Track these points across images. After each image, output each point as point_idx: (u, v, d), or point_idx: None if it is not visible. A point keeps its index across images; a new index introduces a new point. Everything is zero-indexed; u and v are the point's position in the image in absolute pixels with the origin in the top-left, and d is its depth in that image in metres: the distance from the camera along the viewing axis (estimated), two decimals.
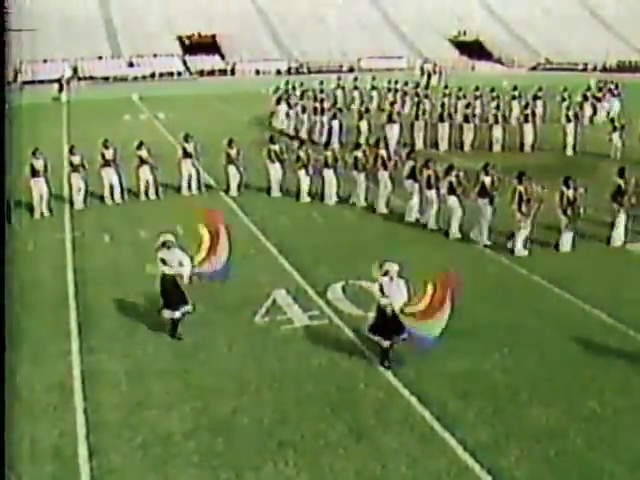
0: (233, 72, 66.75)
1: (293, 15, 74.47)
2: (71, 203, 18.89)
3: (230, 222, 17.26)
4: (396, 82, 36.59)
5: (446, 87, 33.65)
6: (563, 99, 28.70)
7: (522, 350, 10.13)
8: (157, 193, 19.61)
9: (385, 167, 17.74)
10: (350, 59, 68.14)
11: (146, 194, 19.50)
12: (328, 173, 18.67)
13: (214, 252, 11.05)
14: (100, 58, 65.02)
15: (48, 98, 45.76)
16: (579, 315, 11.41)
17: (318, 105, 28.89)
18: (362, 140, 24.11)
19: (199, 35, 70.48)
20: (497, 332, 10.72)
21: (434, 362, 9.68)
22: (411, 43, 73.73)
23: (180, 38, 70.11)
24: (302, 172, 18.93)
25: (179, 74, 65.31)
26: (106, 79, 61.58)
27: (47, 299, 12.52)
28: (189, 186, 20.00)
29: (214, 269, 11.08)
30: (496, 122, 25.77)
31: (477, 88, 31.26)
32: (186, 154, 19.85)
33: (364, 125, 25.68)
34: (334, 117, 26.92)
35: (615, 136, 23.64)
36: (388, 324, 9.54)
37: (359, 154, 18.29)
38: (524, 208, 14.12)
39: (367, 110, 29.59)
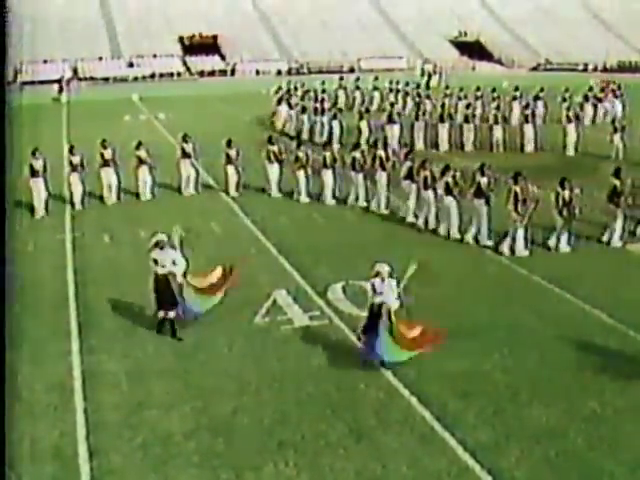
0: (233, 72, 66.83)
1: (293, 16, 74.51)
2: (71, 203, 18.90)
3: (230, 222, 17.42)
4: (397, 82, 36.63)
5: (447, 87, 33.66)
6: (564, 99, 28.69)
7: (522, 350, 10.13)
8: (152, 193, 19.61)
9: (383, 168, 17.75)
10: (350, 59, 68.20)
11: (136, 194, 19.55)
12: (326, 173, 18.70)
13: (210, 292, 10.98)
14: (100, 59, 65.11)
15: (48, 98, 45.81)
16: (579, 315, 11.41)
17: (318, 105, 28.91)
18: (363, 140, 24.13)
19: (199, 36, 70.54)
20: (497, 332, 10.71)
21: (434, 362, 9.68)
22: (411, 43, 73.77)
23: (180, 38, 70.19)
24: (301, 172, 18.95)
25: (179, 75, 65.36)
26: (106, 80, 61.63)
27: (47, 299, 12.53)
28: (188, 186, 20.01)
29: (191, 306, 10.84)
30: (496, 123, 25.77)
31: (478, 88, 31.26)
32: (185, 154, 19.87)
33: (364, 125, 25.70)
34: (334, 117, 26.95)
35: (616, 137, 23.63)
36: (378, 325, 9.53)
37: (357, 154, 18.31)
38: (520, 208, 14.14)
39: (367, 110, 29.59)
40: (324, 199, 18.77)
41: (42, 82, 53.97)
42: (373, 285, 9.63)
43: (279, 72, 64.57)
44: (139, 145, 19.41)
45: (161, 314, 10.75)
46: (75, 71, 62.18)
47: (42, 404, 8.96)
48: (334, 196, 18.84)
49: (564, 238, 14.46)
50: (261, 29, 73.90)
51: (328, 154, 18.82)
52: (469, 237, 15.08)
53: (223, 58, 68.86)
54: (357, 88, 36.62)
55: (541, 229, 14.81)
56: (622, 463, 7.56)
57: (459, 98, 29.95)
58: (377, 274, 9.58)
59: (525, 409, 8.64)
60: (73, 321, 11.49)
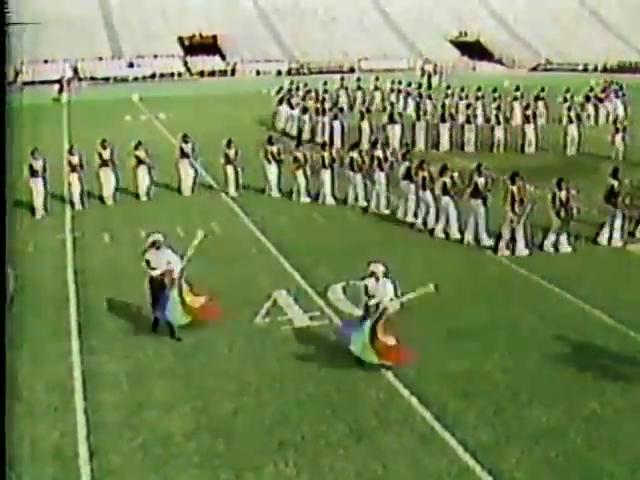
0: (234, 73, 66.81)
1: (293, 16, 74.51)
2: (71, 203, 18.91)
3: (230, 222, 17.42)
4: (399, 83, 36.63)
5: (448, 87, 33.67)
6: (565, 100, 28.69)
7: (522, 350, 10.12)
8: (148, 194, 19.59)
9: (381, 168, 17.76)
10: (351, 60, 68.20)
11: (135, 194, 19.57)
12: (325, 173, 18.72)
13: (191, 311, 10.74)
14: (101, 59, 65.12)
15: (48, 99, 45.81)
16: (579, 315, 11.40)
17: (320, 106, 28.91)
18: (364, 141, 24.12)
19: (200, 36, 70.51)
20: (497, 332, 10.71)
21: (434, 362, 9.69)
22: (412, 44, 73.76)
23: (181, 39, 70.17)
24: (299, 173, 18.96)
25: (180, 75, 65.36)
26: (107, 80, 61.65)
27: (47, 299, 12.53)
28: (187, 186, 20.02)
29: (170, 312, 10.61)
30: (498, 123, 25.78)
31: (479, 88, 31.26)
32: (183, 154, 19.88)
33: (366, 125, 25.70)
34: (335, 118, 26.94)
35: (617, 138, 23.62)
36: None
37: (355, 155, 18.32)
38: (517, 208, 14.15)
39: (368, 110, 29.61)
40: (323, 199, 18.79)
41: (42, 82, 53.97)
42: (366, 287, 9.54)
43: (279, 72, 64.58)
44: (138, 145, 19.43)
45: (157, 314, 10.74)
46: (75, 71, 62.19)
47: (42, 404, 8.96)
48: (334, 196, 18.85)
49: (564, 238, 14.46)
50: (261, 29, 73.87)
51: (326, 154, 18.85)
52: (469, 237, 15.08)
53: (223, 58, 68.85)
54: (359, 88, 36.63)
55: (541, 230, 14.81)
56: (622, 463, 7.55)
57: (460, 98, 29.96)
58: (372, 274, 9.54)
59: (525, 409, 8.64)
60: (73, 321, 11.49)
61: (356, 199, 18.44)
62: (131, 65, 65.47)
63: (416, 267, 13.65)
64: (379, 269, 9.53)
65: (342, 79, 39.64)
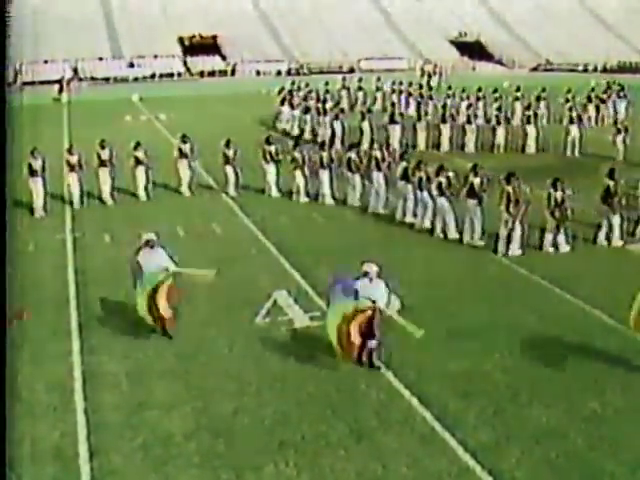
0: (234, 73, 66.82)
1: (294, 16, 74.54)
2: (71, 203, 18.92)
3: (230, 222, 17.42)
4: (400, 83, 36.64)
5: (449, 88, 33.70)
6: (566, 100, 28.69)
7: (522, 350, 10.12)
8: (147, 194, 19.58)
9: (379, 168, 17.76)
10: (350, 60, 68.22)
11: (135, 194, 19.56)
12: (324, 174, 18.72)
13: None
14: (101, 59, 65.11)
15: (48, 99, 45.81)
16: (579, 315, 11.41)
17: (321, 106, 28.91)
18: (365, 141, 24.12)
19: (200, 36, 70.53)
20: (497, 332, 10.71)
21: (435, 363, 9.69)
22: (412, 44, 73.77)
23: (181, 39, 70.18)
24: (298, 173, 18.96)
25: (180, 75, 65.37)
26: (107, 80, 61.67)
27: (48, 299, 12.52)
28: (185, 187, 20.02)
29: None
30: (498, 123, 25.79)
31: (480, 89, 31.26)
32: (182, 155, 19.89)
33: (366, 126, 25.70)
34: (336, 118, 26.94)
35: (619, 138, 23.62)
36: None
37: (352, 155, 18.32)
38: (512, 209, 14.15)
39: (369, 111, 29.61)
40: (323, 199, 18.79)
41: (42, 82, 54.01)
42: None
43: (279, 72, 64.62)
44: (137, 145, 19.45)
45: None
46: (75, 71, 62.20)
47: (42, 404, 8.96)
48: (333, 196, 18.85)
49: (562, 238, 14.46)
50: (261, 29, 73.91)
51: (325, 154, 18.86)
52: (467, 237, 15.09)
53: (223, 58, 68.87)
54: (360, 89, 36.62)
55: (537, 230, 14.82)
56: (623, 463, 7.55)
57: (461, 99, 29.97)
58: (365, 274, 9.49)
59: (525, 409, 8.64)
60: (73, 321, 11.49)
61: (354, 200, 18.43)
62: (131, 65, 65.48)
63: (416, 267, 13.67)
64: (372, 269, 9.48)
65: (344, 79, 39.65)
